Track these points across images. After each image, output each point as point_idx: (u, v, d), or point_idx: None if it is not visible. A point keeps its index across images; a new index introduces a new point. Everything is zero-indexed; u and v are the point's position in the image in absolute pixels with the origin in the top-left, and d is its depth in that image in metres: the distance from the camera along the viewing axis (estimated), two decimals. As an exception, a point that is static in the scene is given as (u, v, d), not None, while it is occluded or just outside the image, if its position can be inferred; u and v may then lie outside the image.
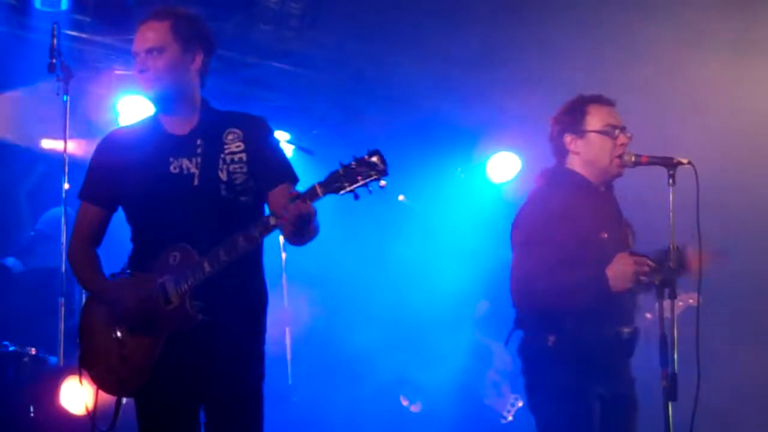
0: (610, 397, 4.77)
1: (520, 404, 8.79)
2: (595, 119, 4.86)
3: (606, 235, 4.76)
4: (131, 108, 8.30)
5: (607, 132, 4.83)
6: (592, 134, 4.84)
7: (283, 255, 7.50)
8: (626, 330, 4.82)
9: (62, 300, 6.50)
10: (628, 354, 4.87)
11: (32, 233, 8.13)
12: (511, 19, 7.79)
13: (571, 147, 4.90)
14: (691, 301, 5.83)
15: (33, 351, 6.47)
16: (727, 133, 7.64)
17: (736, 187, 7.66)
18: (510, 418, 8.96)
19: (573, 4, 7.52)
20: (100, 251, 4.43)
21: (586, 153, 4.87)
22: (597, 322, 4.72)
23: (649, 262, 4.58)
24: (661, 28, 7.42)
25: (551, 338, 4.71)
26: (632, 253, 4.66)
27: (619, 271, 4.59)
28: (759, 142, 7.81)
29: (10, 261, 7.70)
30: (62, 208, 6.54)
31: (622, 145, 4.82)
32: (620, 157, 4.81)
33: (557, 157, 5.00)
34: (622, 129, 4.86)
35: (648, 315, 7.11)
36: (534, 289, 4.69)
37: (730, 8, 7.34)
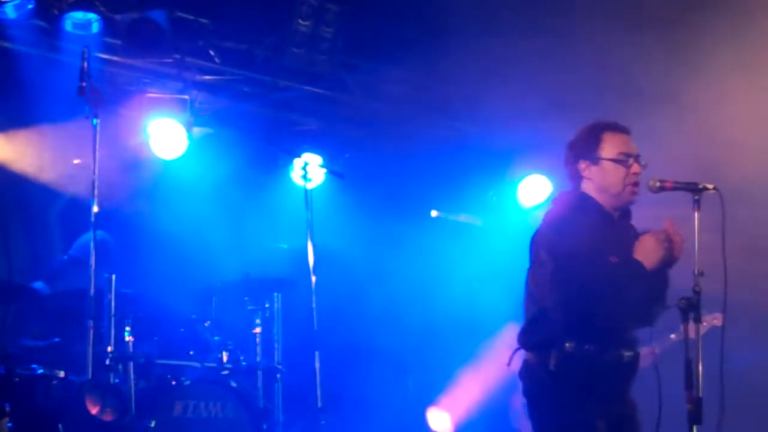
0: (613, 421, 4.78)
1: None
2: (609, 147, 4.92)
3: (615, 261, 4.75)
4: (162, 131, 8.36)
5: (621, 160, 4.89)
6: (606, 162, 4.90)
7: (313, 278, 7.46)
8: (627, 353, 4.84)
9: (91, 323, 6.49)
10: (629, 377, 4.90)
11: (65, 257, 8.04)
12: (543, 44, 7.77)
13: (585, 173, 4.96)
14: (715, 321, 5.78)
15: (61, 374, 6.48)
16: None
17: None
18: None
19: (604, 28, 7.49)
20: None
21: (600, 180, 4.92)
22: (600, 344, 4.75)
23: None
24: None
25: (552, 360, 4.72)
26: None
27: (644, 249, 4.69)
28: None
29: (39, 285, 7.66)
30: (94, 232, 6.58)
31: (634, 173, 4.88)
32: (633, 185, 4.87)
33: (572, 181, 5.06)
34: (636, 158, 4.91)
35: (673, 336, 7.07)
36: (573, 291, 4.66)
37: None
